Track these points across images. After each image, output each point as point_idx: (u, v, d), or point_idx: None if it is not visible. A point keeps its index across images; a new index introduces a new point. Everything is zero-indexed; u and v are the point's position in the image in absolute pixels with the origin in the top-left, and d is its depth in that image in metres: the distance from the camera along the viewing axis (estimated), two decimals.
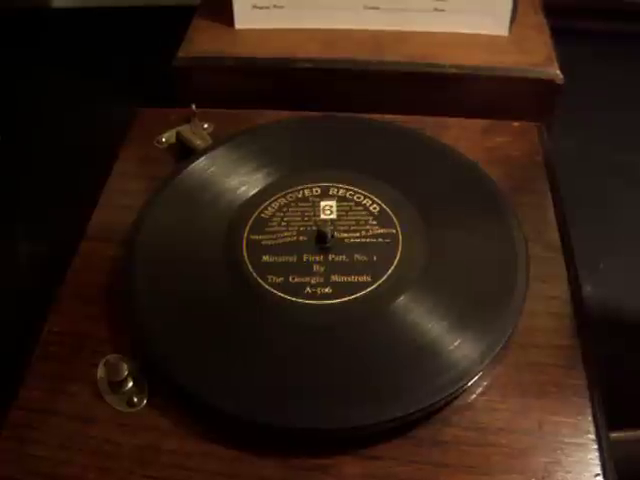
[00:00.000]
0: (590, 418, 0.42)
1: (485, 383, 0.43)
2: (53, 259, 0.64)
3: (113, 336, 0.46)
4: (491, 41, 0.70)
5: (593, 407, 0.42)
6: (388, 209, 0.50)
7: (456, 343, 0.43)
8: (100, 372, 0.44)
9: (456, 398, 0.42)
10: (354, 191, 0.52)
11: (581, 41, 0.86)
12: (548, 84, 0.67)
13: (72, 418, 0.42)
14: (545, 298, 0.48)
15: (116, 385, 0.43)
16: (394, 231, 0.49)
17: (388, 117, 0.59)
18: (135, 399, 0.42)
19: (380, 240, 0.48)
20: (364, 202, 0.51)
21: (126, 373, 0.42)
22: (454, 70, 0.67)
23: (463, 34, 0.70)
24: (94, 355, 0.45)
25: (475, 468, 0.40)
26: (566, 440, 0.41)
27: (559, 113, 0.68)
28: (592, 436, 0.41)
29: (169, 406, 0.42)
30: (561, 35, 0.71)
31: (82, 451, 0.41)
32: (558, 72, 0.66)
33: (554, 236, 0.51)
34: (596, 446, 0.41)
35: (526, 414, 0.42)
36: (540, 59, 0.68)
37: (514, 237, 0.48)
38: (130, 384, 0.43)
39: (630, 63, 0.89)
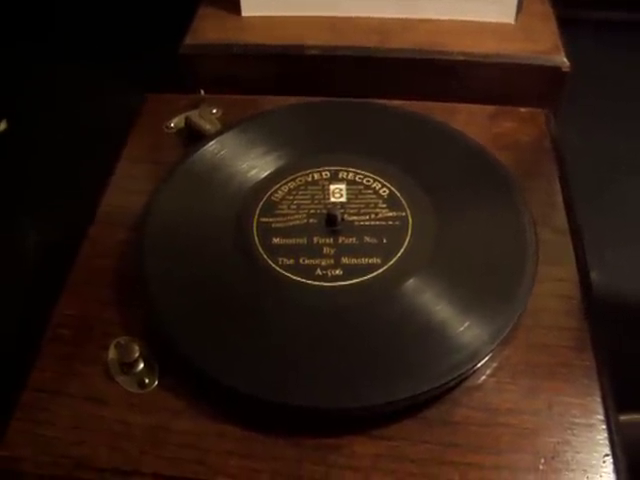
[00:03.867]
0: (599, 399, 0.42)
1: (495, 364, 0.44)
2: (63, 244, 0.64)
3: (123, 318, 0.46)
4: (498, 29, 0.70)
5: (602, 388, 0.43)
6: (397, 192, 0.50)
7: (466, 324, 0.43)
8: (111, 353, 0.44)
9: (466, 379, 0.42)
10: (363, 174, 0.52)
11: (584, 30, 0.86)
12: (554, 71, 0.67)
13: (84, 399, 0.42)
14: (554, 280, 0.48)
15: (127, 366, 0.43)
16: (404, 214, 0.49)
17: (396, 102, 0.59)
18: (146, 380, 0.43)
19: (390, 223, 0.48)
20: (373, 185, 0.51)
21: (137, 354, 0.43)
22: (461, 57, 0.67)
23: (470, 22, 0.70)
24: (104, 337, 0.45)
25: (485, 448, 0.40)
26: (575, 421, 0.41)
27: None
28: (601, 417, 0.41)
29: (180, 386, 0.43)
30: (564, 24, 0.71)
31: (94, 432, 0.41)
32: (565, 60, 0.66)
33: (562, 220, 0.52)
34: (605, 427, 0.41)
35: (535, 395, 0.42)
36: (547, 47, 0.68)
37: (523, 220, 0.48)
38: (141, 365, 0.43)
39: (633, 52, 0.89)
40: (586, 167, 0.72)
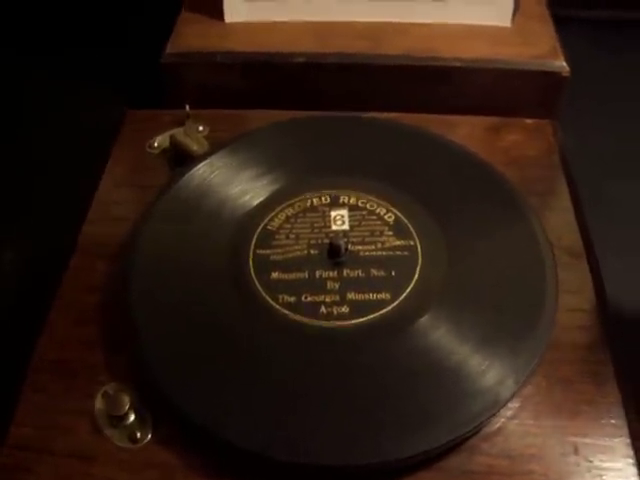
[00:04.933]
0: (628, 440, 0.39)
1: (516, 405, 0.40)
2: (39, 263, 0.60)
3: (111, 362, 0.43)
4: (494, 33, 0.67)
5: (630, 427, 0.40)
6: (404, 218, 0.47)
7: (486, 364, 0.40)
8: (98, 404, 0.40)
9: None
10: (367, 199, 0.48)
11: (579, 30, 0.84)
12: (554, 76, 0.64)
13: (69, 456, 0.39)
14: (571, 310, 0.45)
15: (117, 419, 0.39)
16: (412, 242, 0.46)
17: (393, 115, 0.56)
18: (138, 434, 0.39)
19: (398, 253, 0.45)
20: (378, 211, 0.48)
21: (127, 406, 0.39)
22: (456, 63, 0.64)
23: (464, 26, 0.68)
24: (91, 384, 0.41)
25: None
26: (604, 465, 0.38)
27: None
28: (631, 460, 0.39)
29: (176, 440, 0.39)
30: (559, 24, 0.69)
31: None
32: (564, 64, 0.64)
33: (576, 242, 0.49)
34: (636, 470, 0.38)
35: (560, 438, 0.39)
36: (544, 50, 0.65)
37: (540, 245, 0.45)
38: (132, 418, 0.39)
39: (625, 52, 0.87)
40: (582, 171, 0.70)
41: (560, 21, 0.69)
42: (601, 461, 0.39)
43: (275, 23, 0.68)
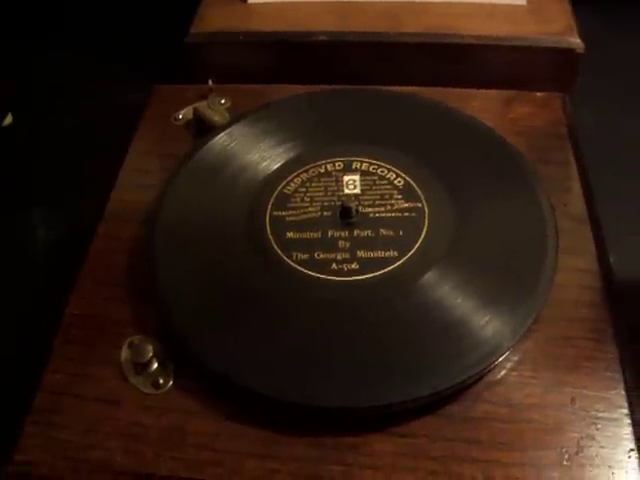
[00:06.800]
0: (623, 392, 0.41)
1: (516, 358, 0.43)
2: (70, 239, 0.63)
3: (136, 317, 0.45)
4: (510, 11, 0.69)
5: (626, 381, 0.42)
6: (413, 182, 0.49)
7: (487, 318, 0.42)
8: (124, 354, 0.43)
9: (487, 374, 0.41)
10: (378, 165, 0.51)
11: (595, 8, 0.84)
12: (569, 53, 0.65)
13: (97, 401, 0.42)
14: (574, 270, 0.47)
15: (141, 367, 0.42)
16: (420, 205, 0.48)
17: (409, 89, 0.58)
18: (160, 380, 0.42)
19: (406, 214, 0.47)
20: (388, 176, 0.50)
21: (151, 354, 0.42)
22: (473, 41, 0.66)
23: (481, 4, 0.69)
24: (117, 337, 0.44)
25: (508, 445, 0.39)
26: (599, 415, 0.40)
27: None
28: (625, 411, 0.40)
29: (196, 387, 0.42)
30: (575, 3, 0.70)
31: (108, 434, 0.40)
32: (579, 41, 0.65)
33: (581, 208, 0.50)
34: (629, 421, 0.40)
35: (558, 389, 0.41)
36: (560, 28, 0.67)
37: (542, 209, 0.47)
38: (155, 365, 0.42)
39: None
40: (600, 150, 0.71)
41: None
42: (597, 411, 0.40)
43: (296, 3, 0.70)
